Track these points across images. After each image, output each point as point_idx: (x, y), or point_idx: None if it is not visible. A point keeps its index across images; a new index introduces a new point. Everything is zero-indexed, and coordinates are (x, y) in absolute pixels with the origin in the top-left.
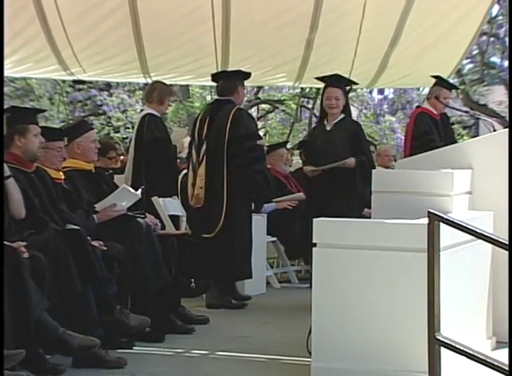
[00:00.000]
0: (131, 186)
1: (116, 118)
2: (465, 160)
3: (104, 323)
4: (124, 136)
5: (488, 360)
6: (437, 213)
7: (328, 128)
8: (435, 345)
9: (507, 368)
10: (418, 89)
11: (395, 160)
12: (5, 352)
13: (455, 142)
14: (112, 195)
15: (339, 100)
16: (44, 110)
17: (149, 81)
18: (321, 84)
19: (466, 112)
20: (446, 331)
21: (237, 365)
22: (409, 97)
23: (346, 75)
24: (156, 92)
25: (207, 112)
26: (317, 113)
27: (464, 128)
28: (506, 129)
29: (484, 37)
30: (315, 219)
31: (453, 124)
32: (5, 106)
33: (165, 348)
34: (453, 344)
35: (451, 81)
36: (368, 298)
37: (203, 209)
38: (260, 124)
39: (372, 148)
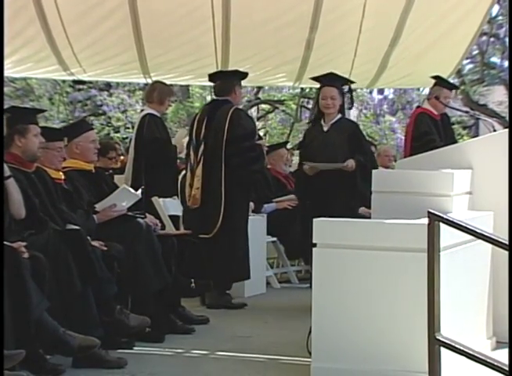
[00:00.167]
0: (131, 186)
1: (116, 118)
2: (465, 160)
3: (104, 324)
4: (124, 136)
5: (488, 360)
6: (437, 213)
7: (325, 129)
8: (435, 345)
9: (507, 368)
10: (418, 89)
11: (395, 161)
12: (5, 352)
13: (455, 142)
14: (112, 195)
15: (335, 100)
16: (44, 110)
17: (149, 81)
18: None
19: (467, 112)
20: (446, 331)
21: (237, 365)
22: (409, 97)
23: (346, 75)
24: (157, 92)
25: (204, 112)
26: None
27: (464, 128)
28: (506, 129)
29: (485, 38)
30: (315, 219)
31: (453, 124)
32: (5, 106)
33: (165, 348)
34: (453, 344)
35: (451, 81)
36: (368, 298)
37: (200, 210)
38: (260, 124)
39: (372, 148)
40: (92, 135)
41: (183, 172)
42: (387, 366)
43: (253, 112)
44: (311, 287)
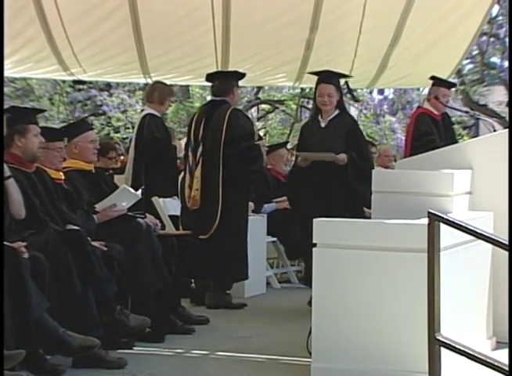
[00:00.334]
0: (132, 187)
1: (116, 118)
2: (465, 160)
3: (104, 324)
4: (124, 136)
5: (488, 360)
6: (437, 213)
7: (323, 125)
8: (435, 345)
9: (507, 368)
10: (418, 89)
11: (395, 161)
12: (5, 352)
13: (456, 142)
14: (112, 195)
15: (332, 97)
16: (44, 110)
17: (149, 81)
18: None
19: (467, 112)
20: (446, 331)
21: (237, 365)
22: (409, 97)
23: None
24: (157, 93)
25: (202, 113)
26: None
27: (464, 128)
28: (507, 129)
29: (485, 38)
30: (315, 219)
31: (453, 124)
32: (5, 106)
33: (165, 348)
34: (453, 344)
35: (451, 81)
36: (368, 299)
37: (199, 211)
38: (260, 124)
39: (373, 149)
40: (92, 135)
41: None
42: (387, 367)
43: (253, 112)
44: (310, 287)
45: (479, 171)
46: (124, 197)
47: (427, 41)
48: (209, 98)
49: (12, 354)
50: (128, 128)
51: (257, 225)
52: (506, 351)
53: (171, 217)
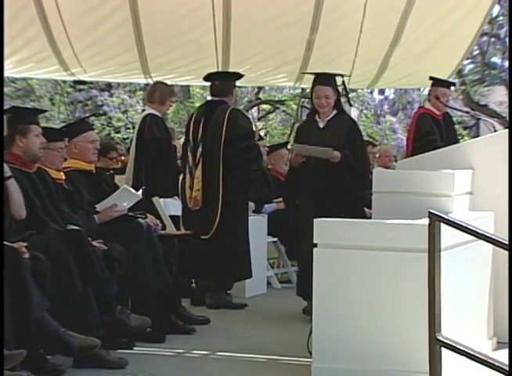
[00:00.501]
0: (132, 187)
1: (116, 119)
2: (466, 160)
3: (105, 324)
4: (125, 137)
5: (489, 361)
6: (437, 213)
7: (321, 126)
8: (436, 345)
9: (508, 368)
10: (419, 90)
11: (396, 161)
12: (5, 352)
13: (457, 142)
14: (113, 195)
15: (329, 98)
16: (45, 111)
17: (150, 81)
18: None
19: (467, 112)
20: (447, 332)
21: (238, 365)
22: (410, 97)
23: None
24: (158, 93)
25: (200, 113)
26: None
27: (465, 128)
28: (507, 130)
29: (485, 38)
30: (315, 219)
31: (455, 123)
32: (6, 107)
33: (166, 348)
34: (454, 344)
35: (452, 81)
36: (369, 299)
37: (200, 211)
38: (260, 124)
39: (374, 149)
40: (92, 135)
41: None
42: (387, 367)
43: (253, 112)
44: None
45: (480, 172)
46: (125, 197)
47: (427, 42)
48: (210, 98)
49: (12, 354)
50: (129, 129)
51: (257, 226)
52: (506, 351)
53: (172, 217)
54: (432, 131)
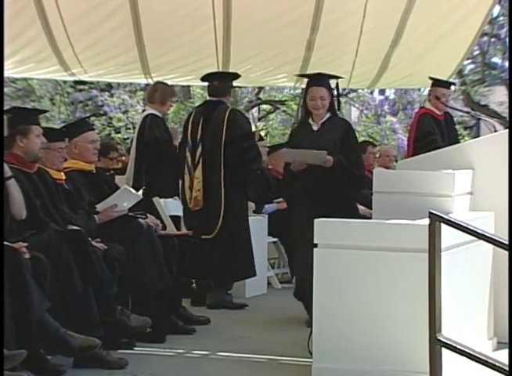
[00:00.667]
0: (133, 187)
1: (117, 119)
2: (466, 160)
3: (105, 324)
4: (125, 137)
5: (489, 361)
6: (438, 213)
7: (315, 128)
8: (436, 345)
9: (508, 369)
10: (419, 90)
11: (396, 161)
12: (6, 352)
13: (458, 142)
14: (113, 196)
15: (324, 100)
16: (46, 111)
17: (151, 81)
18: None
19: (468, 113)
20: (447, 332)
21: (238, 365)
22: (410, 98)
23: (347, 76)
24: (159, 93)
25: (199, 114)
26: None
27: (465, 128)
28: (507, 130)
29: (486, 38)
30: (315, 220)
31: (455, 124)
32: (7, 107)
33: (166, 348)
34: (454, 344)
35: (452, 81)
36: (369, 299)
37: (202, 211)
38: (261, 124)
39: (375, 149)
40: (92, 136)
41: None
42: (387, 367)
43: (254, 112)
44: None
45: (480, 172)
46: (125, 197)
47: (428, 42)
48: (208, 98)
49: (13, 354)
50: (129, 129)
51: (258, 226)
52: (506, 351)
53: (172, 217)
54: (433, 132)
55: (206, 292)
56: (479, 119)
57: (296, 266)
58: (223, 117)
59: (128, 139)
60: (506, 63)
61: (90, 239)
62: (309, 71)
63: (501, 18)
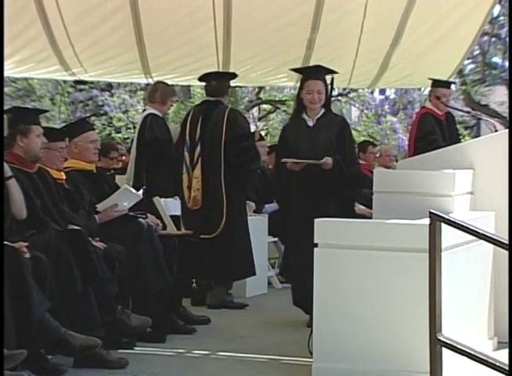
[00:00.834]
0: (133, 187)
1: (117, 119)
2: (466, 160)
3: (105, 324)
4: (126, 136)
5: (490, 361)
6: (438, 213)
7: (310, 124)
8: (437, 345)
9: (508, 368)
10: (419, 89)
11: (396, 161)
12: (6, 352)
13: (459, 142)
14: (113, 195)
15: (321, 94)
16: (46, 111)
17: (151, 81)
18: None
19: (468, 112)
20: (447, 332)
21: (238, 365)
22: (411, 97)
23: (347, 75)
24: (159, 93)
25: (197, 113)
26: None
27: (466, 128)
28: (507, 130)
29: (486, 38)
30: (316, 219)
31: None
32: (8, 107)
33: (166, 348)
34: (455, 344)
35: (452, 81)
36: (369, 299)
37: (201, 211)
38: (261, 124)
39: (375, 149)
40: (92, 135)
41: None
42: (388, 367)
43: (254, 112)
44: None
45: (480, 171)
46: (126, 197)
47: (428, 41)
48: (205, 98)
49: (13, 354)
50: (130, 129)
51: (258, 226)
52: (507, 351)
53: (172, 217)
54: (433, 131)
55: (206, 292)
56: (479, 119)
57: (292, 272)
58: (222, 116)
59: (128, 138)
60: (507, 63)
61: (90, 238)
62: None
63: (501, 18)
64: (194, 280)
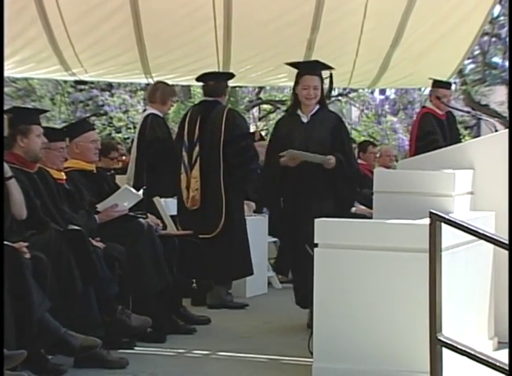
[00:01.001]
0: (133, 187)
1: (117, 119)
2: (467, 160)
3: (106, 324)
4: (126, 137)
5: (490, 361)
6: (438, 213)
7: (304, 120)
8: (437, 345)
9: (508, 368)
10: (420, 89)
11: (397, 161)
12: (6, 352)
13: (459, 141)
14: (114, 195)
15: (317, 90)
16: (46, 111)
17: (151, 81)
18: None
19: (468, 112)
20: (448, 331)
21: (238, 365)
22: (411, 97)
23: (348, 75)
24: (159, 93)
25: (196, 113)
26: None
27: (466, 128)
28: (508, 130)
29: (486, 38)
30: (316, 219)
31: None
32: (8, 107)
33: (167, 348)
34: (455, 344)
35: (453, 81)
36: (369, 299)
37: (200, 211)
38: (261, 124)
39: (375, 149)
40: (93, 135)
41: None
42: (388, 367)
43: (254, 112)
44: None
45: (481, 171)
46: (126, 197)
47: (428, 41)
48: (203, 98)
49: (13, 354)
50: (130, 129)
51: (258, 226)
52: (507, 351)
53: (173, 217)
54: (434, 131)
55: (206, 292)
56: (480, 119)
57: (293, 272)
58: (221, 116)
59: (128, 138)
60: (507, 63)
61: (90, 238)
62: None
63: (502, 18)
64: (194, 280)
